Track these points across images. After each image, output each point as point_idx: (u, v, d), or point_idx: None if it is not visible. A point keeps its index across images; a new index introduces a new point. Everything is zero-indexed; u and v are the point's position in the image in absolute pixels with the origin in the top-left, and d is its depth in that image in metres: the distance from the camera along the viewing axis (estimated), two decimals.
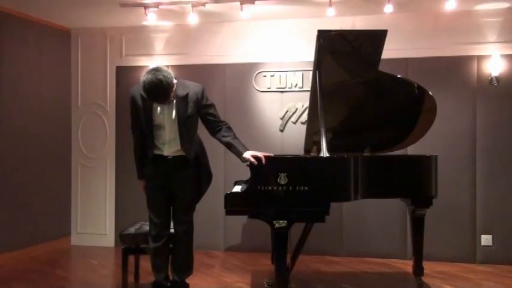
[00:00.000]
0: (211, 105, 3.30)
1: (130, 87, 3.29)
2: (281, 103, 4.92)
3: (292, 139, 4.80)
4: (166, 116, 3.16)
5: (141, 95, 3.11)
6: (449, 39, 4.61)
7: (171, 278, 3.37)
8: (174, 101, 3.15)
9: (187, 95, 3.16)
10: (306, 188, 2.97)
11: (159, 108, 3.16)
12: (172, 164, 3.23)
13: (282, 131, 4.92)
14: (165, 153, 3.21)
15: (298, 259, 3.57)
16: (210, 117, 3.28)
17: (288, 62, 4.91)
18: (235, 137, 3.25)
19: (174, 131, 3.17)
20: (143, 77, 2.95)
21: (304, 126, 4.15)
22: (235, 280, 3.98)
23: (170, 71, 3.18)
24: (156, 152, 3.23)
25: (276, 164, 3.06)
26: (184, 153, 3.22)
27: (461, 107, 4.59)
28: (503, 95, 4.51)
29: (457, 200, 4.54)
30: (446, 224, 4.56)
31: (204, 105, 3.24)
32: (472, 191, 4.55)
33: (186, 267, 3.35)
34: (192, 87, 3.21)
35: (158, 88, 2.91)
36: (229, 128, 3.29)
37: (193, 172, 3.31)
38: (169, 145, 3.20)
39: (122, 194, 5.22)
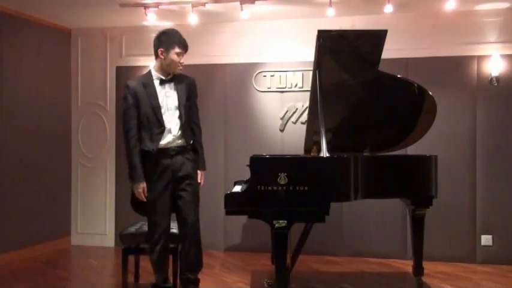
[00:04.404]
0: (196, 104, 3.42)
1: (129, 81, 3.29)
2: (281, 103, 4.92)
3: (292, 139, 4.80)
4: (169, 97, 3.23)
5: (142, 83, 3.22)
6: (449, 39, 4.61)
7: (184, 276, 3.33)
8: (173, 84, 3.25)
9: (184, 81, 3.30)
10: (306, 188, 2.97)
11: (161, 92, 3.22)
12: (176, 159, 3.22)
13: (282, 131, 4.92)
14: (166, 141, 3.19)
15: (298, 259, 3.56)
16: (192, 113, 3.35)
17: (288, 62, 4.91)
18: (201, 146, 3.42)
19: (176, 113, 3.23)
20: (162, 31, 3.26)
21: (304, 126, 4.15)
22: (235, 280, 3.98)
23: None
24: (158, 144, 3.18)
25: (276, 164, 3.06)
26: (184, 143, 3.25)
27: (461, 107, 4.59)
28: (503, 95, 4.51)
29: (457, 200, 4.54)
30: (446, 224, 4.56)
31: (194, 96, 3.37)
32: (472, 191, 4.55)
33: (199, 264, 3.36)
34: (188, 77, 3.36)
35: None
36: (199, 135, 3.41)
37: (195, 165, 3.35)
38: (169, 131, 3.20)
39: (122, 194, 5.21)
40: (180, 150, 3.24)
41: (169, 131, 3.21)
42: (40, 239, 4.91)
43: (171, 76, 3.27)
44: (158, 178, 3.20)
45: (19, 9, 4.63)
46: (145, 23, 4.96)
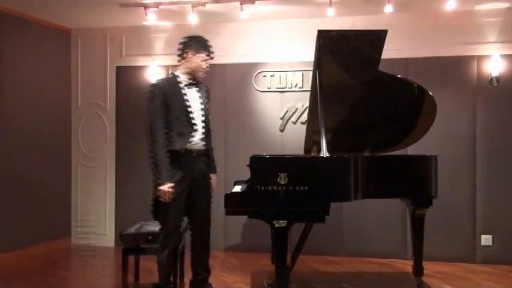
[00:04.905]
0: (209, 108, 3.47)
1: (154, 82, 3.31)
2: (281, 103, 4.92)
3: (292, 139, 4.80)
4: (195, 99, 3.29)
5: (169, 83, 3.25)
6: (449, 39, 4.61)
7: (198, 276, 3.41)
8: (197, 87, 3.33)
9: (203, 86, 3.40)
10: (306, 188, 2.97)
11: (187, 94, 3.26)
12: (196, 162, 3.28)
13: (282, 131, 4.92)
14: (193, 142, 3.23)
15: (298, 259, 3.57)
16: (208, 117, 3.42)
17: (288, 62, 4.91)
18: (212, 149, 3.49)
19: (201, 116, 3.30)
20: (191, 35, 3.32)
21: (304, 126, 4.15)
22: (235, 280, 3.98)
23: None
24: (186, 145, 3.20)
25: (276, 164, 3.06)
26: (204, 146, 3.33)
27: (461, 107, 4.59)
28: (503, 95, 4.51)
29: (457, 200, 4.55)
30: (446, 224, 4.56)
31: (209, 101, 3.45)
32: (472, 191, 4.55)
33: (208, 263, 3.49)
34: (202, 83, 3.45)
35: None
36: (210, 138, 3.48)
37: (209, 169, 3.45)
38: (197, 132, 3.25)
39: (122, 194, 5.23)
40: (201, 153, 3.31)
41: (197, 133, 3.26)
42: (40, 239, 4.91)
43: (195, 80, 3.33)
44: (179, 180, 3.20)
45: (19, 9, 4.63)
46: (145, 23, 4.97)
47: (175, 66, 4.97)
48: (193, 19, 4.54)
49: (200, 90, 3.34)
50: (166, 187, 3.12)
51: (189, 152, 3.23)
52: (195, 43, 3.27)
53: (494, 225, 4.51)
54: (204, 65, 3.29)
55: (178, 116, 3.18)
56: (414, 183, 3.44)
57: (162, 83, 3.27)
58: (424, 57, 4.63)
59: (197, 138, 3.26)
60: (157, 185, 3.13)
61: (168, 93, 3.19)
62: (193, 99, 3.28)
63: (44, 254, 4.85)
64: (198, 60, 3.25)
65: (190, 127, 3.22)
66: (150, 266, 4.16)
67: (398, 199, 3.85)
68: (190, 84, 3.29)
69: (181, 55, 3.28)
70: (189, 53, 3.25)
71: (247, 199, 3.05)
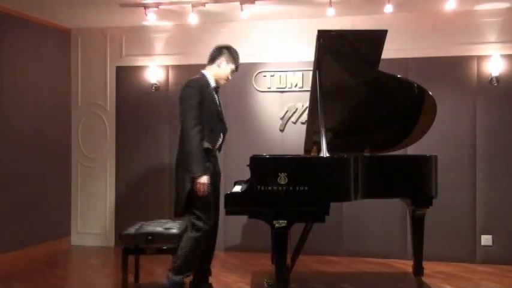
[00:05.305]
0: None
1: (193, 80, 3.33)
2: (281, 103, 4.92)
3: (292, 139, 4.80)
4: (219, 103, 3.42)
5: (203, 84, 3.31)
6: (449, 39, 4.61)
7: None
8: (216, 93, 3.43)
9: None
10: (306, 188, 2.97)
11: (216, 96, 3.39)
12: (216, 161, 3.43)
13: (282, 131, 4.92)
14: (219, 142, 3.38)
15: (298, 259, 3.57)
16: None
17: (288, 62, 4.91)
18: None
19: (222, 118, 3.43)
20: (227, 45, 3.47)
21: (304, 126, 4.15)
22: (235, 280, 3.98)
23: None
24: (214, 142, 3.31)
25: (276, 164, 3.06)
26: (219, 146, 3.44)
27: (461, 107, 4.59)
28: (503, 95, 4.51)
29: (457, 200, 4.55)
30: (446, 224, 4.56)
31: None
32: (472, 191, 4.55)
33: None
34: None
35: None
36: None
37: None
38: (221, 135, 3.40)
39: (122, 194, 5.22)
40: (216, 153, 3.43)
41: (217, 137, 3.37)
42: (40, 239, 4.90)
43: (217, 85, 3.45)
44: (210, 177, 3.25)
45: (19, 9, 4.63)
46: (145, 23, 4.96)
47: (176, 66, 5.08)
48: (193, 19, 4.54)
49: (220, 96, 3.48)
50: (206, 179, 3.16)
51: (213, 151, 3.33)
52: (230, 53, 3.41)
53: (494, 225, 4.51)
54: (230, 76, 3.45)
55: (212, 115, 3.31)
56: (414, 183, 3.44)
57: (199, 82, 3.34)
58: (424, 57, 4.63)
59: (220, 139, 3.40)
60: (194, 178, 3.14)
61: (203, 91, 3.29)
62: (218, 102, 3.42)
63: (44, 254, 4.85)
64: (227, 70, 3.41)
65: (221, 125, 3.37)
66: (150, 266, 4.17)
67: (399, 199, 3.85)
68: (215, 88, 3.42)
69: (214, 61, 3.40)
70: (223, 61, 3.38)
71: (247, 199, 3.05)
